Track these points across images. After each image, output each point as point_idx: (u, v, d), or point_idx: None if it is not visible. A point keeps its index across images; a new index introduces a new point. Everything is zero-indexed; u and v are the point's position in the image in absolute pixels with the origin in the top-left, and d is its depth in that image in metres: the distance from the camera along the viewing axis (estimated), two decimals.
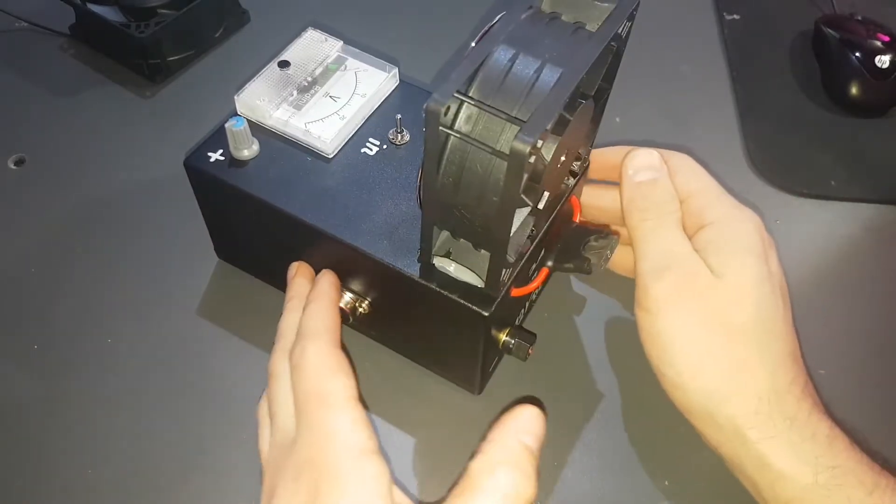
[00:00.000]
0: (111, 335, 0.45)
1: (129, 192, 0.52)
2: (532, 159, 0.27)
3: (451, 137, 0.30)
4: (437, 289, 0.36)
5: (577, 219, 0.42)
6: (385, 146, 0.41)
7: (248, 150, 0.40)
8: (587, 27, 0.33)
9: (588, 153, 0.40)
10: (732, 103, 0.58)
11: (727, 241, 0.38)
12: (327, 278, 0.39)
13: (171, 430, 0.41)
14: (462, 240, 0.36)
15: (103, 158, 0.53)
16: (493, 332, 0.38)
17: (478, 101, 0.30)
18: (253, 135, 0.40)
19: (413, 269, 0.36)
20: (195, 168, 0.40)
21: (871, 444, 0.40)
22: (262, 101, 0.41)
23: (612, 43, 0.33)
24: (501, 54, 0.30)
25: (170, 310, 0.46)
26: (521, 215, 0.36)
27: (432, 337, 0.41)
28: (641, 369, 0.44)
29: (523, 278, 0.38)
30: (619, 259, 0.43)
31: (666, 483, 0.40)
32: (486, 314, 0.35)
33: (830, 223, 0.52)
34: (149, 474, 0.40)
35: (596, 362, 0.44)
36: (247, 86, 0.42)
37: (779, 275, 0.39)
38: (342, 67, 0.43)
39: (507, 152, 0.28)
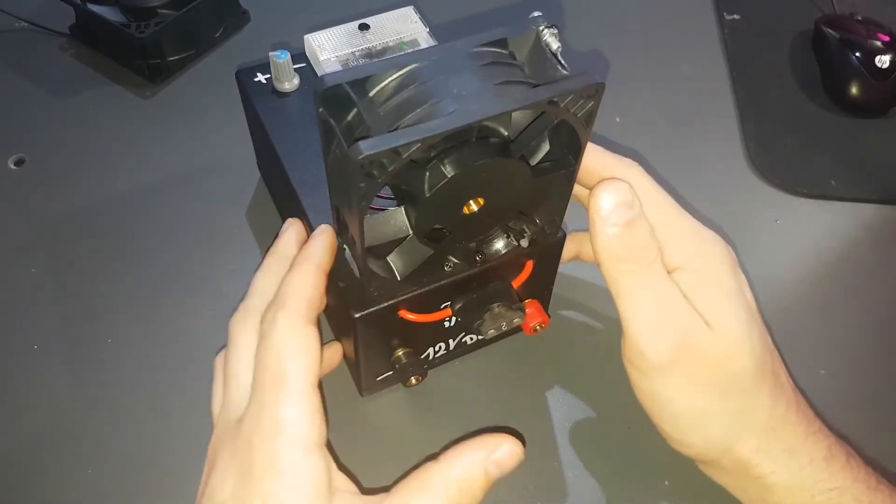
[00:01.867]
0: (111, 335, 0.45)
1: (129, 191, 0.52)
2: (373, 170, 0.27)
3: (328, 121, 0.30)
4: (335, 269, 0.35)
5: (516, 283, 0.39)
6: None
7: (289, 83, 0.42)
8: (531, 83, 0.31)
9: (556, 228, 0.37)
10: (732, 103, 0.58)
11: (707, 286, 0.34)
12: (322, 238, 0.35)
13: (172, 430, 0.41)
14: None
15: (103, 158, 0.53)
16: (374, 340, 0.37)
17: (358, 99, 0.30)
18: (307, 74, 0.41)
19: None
20: (239, 80, 0.43)
21: (869, 444, 0.40)
22: (325, 49, 0.41)
23: (554, 116, 0.31)
24: (419, 73, 0.30)
25: (170, 309, 0.46)
26: (418, 249, 0.34)
27: (340, 321, 0.40)
28: None
29: (429, 306, 0.37)
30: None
31: (666, 483, 0.40)
32: (356, 315, 0.34)
33: (830, 223, 0.52)
34: (149, 474, 0.40)
35: (596, 361, 0.44)
36: (320, 31, 0.42)
37: (753, 304, 0.36)
38: (417, 43, 0.42)
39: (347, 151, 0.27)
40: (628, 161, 0.36)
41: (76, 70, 0.58)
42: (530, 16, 0.31)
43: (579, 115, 0.30)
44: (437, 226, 0.33)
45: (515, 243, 0.36)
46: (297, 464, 0.29)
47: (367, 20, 0.42)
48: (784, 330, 0.43)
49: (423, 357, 0.41)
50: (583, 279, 0.48)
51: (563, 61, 0.31)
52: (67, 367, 0.44)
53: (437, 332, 0.40)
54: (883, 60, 0.55)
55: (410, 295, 0.35)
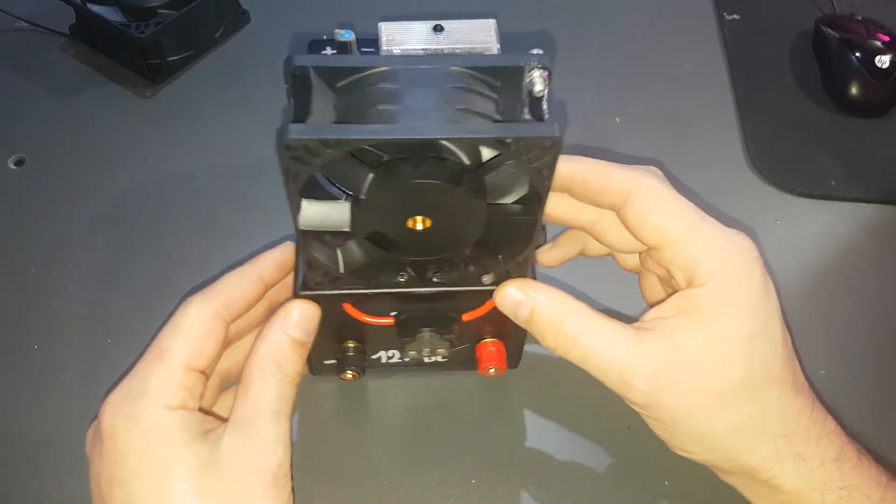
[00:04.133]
0: (111, 335, 0.45)
1: (129, 191, 0.52)
2: (300, 154, 0.27)
3: (289, 100, 0.30)
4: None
5: (466, 318, 0.37)
6: None
7: None
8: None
9: (521, 275, 0.35)
10: (732, 103, 0.58)
11: (725, 303, 0.33)
12: (274, 252, 0.36)
13: None
14: None
15: (103, 158, 0.53)
16: (321, 323, 0.37)
17: (318, 86, 0.30)
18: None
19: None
20: (309, 47, 0.41)
21: (869, 444, 0.40)
22: (391, 41, 0.41)
23: (508, 159, 0.29)
24: (386, 76, 0.30)
25: (170, 310, 0.46)
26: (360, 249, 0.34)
27: None
28: None
29: (376, 309, 0.37)
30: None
31: (666, 483, 0.40)
32: (298, 293, 0.35)
33: (830, 223, 0.52)
34: None
35: None
36: (394, 22, 0.42)
37: (774, 300, 0.35)
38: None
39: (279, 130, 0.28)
40: (646, 171, 0.35)
41: (76, 70, 0.58)
42: (531, 52, 0.30)
43: (533, 165, 0.29)
44: (378, 230, 0.33)
45: (477, 277, 0.35)
46: (155, 416, 0.30)
47: (443, 22, 0.42)
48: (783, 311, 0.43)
49: (374, 357, 0.40)
50: (583, 274, 0.48)
51: (543, 106, 0.30)
52: (67, 367, 0.44)
53: (389, 338, 0.39)
54: (883, 60, 0.55)
55: (350, 291, 0.35)
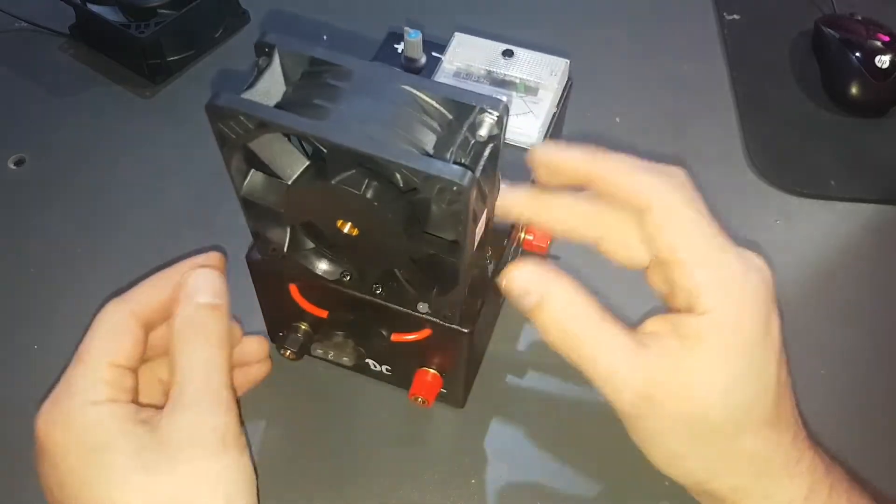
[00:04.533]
0: None
1: (129, 191, 0.52)
2: (225, 121, 0.29)
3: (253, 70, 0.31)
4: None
5: (395, 338, 0.37)
6: None
7: (418, 61, 0.44)
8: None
9: (452, 318, 0.35)
10: (732, 103, 0.58)
11: (720, 339, 0.32)
12: (191, 262, 0.36)
13: None
14: None
15: (103, 158, 0.53)
16: (268, 293, 0.38)
17: (275, 66, 0.30)
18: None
19: None
20: (386, 39, 0.45)
21: (869, 444, 0.40)
22: (455, 52, 0.43)
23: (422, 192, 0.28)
24: (343, 74, 0.30)
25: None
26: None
27: None
28: None
29: (328, 302, 0.37)
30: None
31: (666, 483, 0.40)
32: (246, 256, 0.36)
33: (830, 223, 0.52)
34: None
35: None
36: (469, 35, 0.43)
37: (776, 336, 0.33)
38: (536, 93, 0.42)
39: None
40: (670, 177, 0.33)
41: (76, 70, 0.58)
42: (498, 97, 0.29)
43: (446, 206, 0.28)
44: (308, 221, 0.33)
45: (415, 302, 0.35)
46: (80, 415, 0.31)
47: (514, 48, 0.42)
48: (784, 330, 0.43)
49: (319, 351, 0.40)
50: (584, 273, 0.48)
51: (484, 152, 0.29)
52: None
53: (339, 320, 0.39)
54: (883, 60, 0.55)
55: (290, 271, 0.36)
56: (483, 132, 0.29)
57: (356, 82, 0.30)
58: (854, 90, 0.56)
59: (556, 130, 0.44)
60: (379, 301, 0.35)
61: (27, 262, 0.48)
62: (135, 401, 0.33)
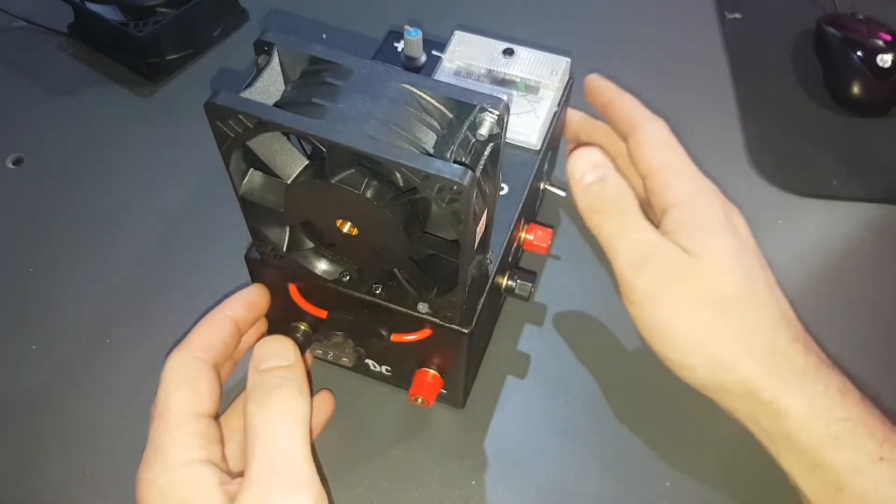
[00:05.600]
0: (110, 335, 0.45)
1: (128, 191, 0.51)
2: (224, 120, 0.29)
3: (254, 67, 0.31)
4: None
5: (395, 338, 0.37)
6: None
7: (418, 60, 0.44)
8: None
9: (453, 318, 0.35)
10: (734, 102, 0.57)
11: (694, 219, 0.37)
12: (244, 294, 0.38)
13: None
14: None
15: (101, 157, 0.53)
16: (271, 289, 0.38)
17: (274, 64, 0.31)
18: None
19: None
20: (384, 38, 0.45)
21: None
22: (455, 51, 0.43)
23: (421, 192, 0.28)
24: (342, 73, 0.30)
25: (170, 309, 0.46)
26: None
27: None
28: (642, 368, 0.44)
29: (327, 302, 0.37)
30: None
31: (667, 484, 0.40)
32: (245, 255, 0.36)
33: (832, 223, 0.51)
34: None
35: (596, 361, 0.44)
36: (470, 34, 0.43)
37: (751, 243, 0.39)
38: (537, 92, 0.42)
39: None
40: (655, 117, 0.41)
41: (75, 69, 0.58)
42: (500, 96, 0.29)
43: (446, 206, 0.28)
44: (307, 220, 0.33)
45: (415, 303, 0.35)
46: (174, 483, 0.30)
47: (515, 47, 0.42)
48: None
49: (319, 352, 0.39)
50: (584, 273, 0.48)
51: (485, 151, 0.29)
52: (67, 367, 0.44)
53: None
54: (885, 59, 0.55)
55: (289, 271, 0.36)
56: (483, 131, 0.29)
57: (355, 81, 0.29)
58: (856, 89, 0.56)
59: (556, 129, 0.44)
60: (378, 301, 0.35)
61: (26, 262, 0.48)
62: (222, 453, 0.32)
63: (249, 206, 0.33)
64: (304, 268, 0.35)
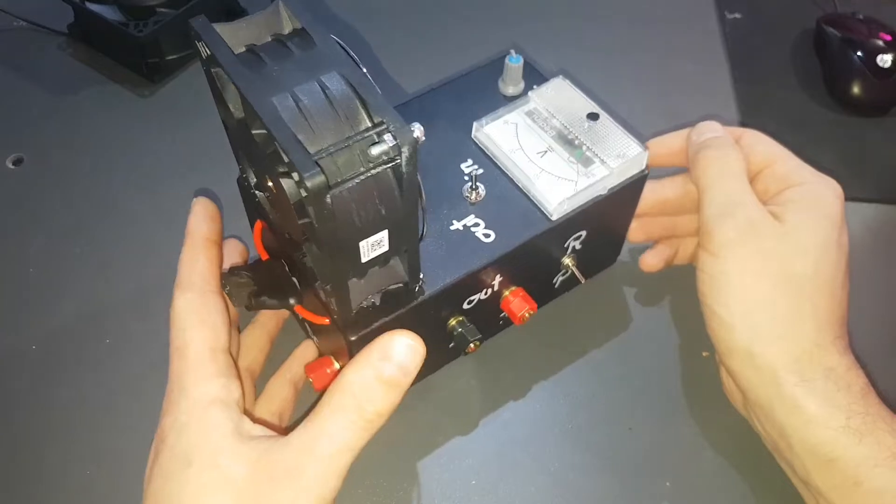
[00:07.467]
0: (111, 335, 0.45)
1: (128, 191, 0.51)
2: (200, 45, 0.30)
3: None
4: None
5: (299, 309, 0.37)
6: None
7: (514, 87, 0.43)
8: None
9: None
10: (734, 102, 0.57)
11: (808, 200, 0.38)
12: (195, 211, 0.37)
13: None
14: None
15: (101, 157, 0.53)
16: (252, 216, 0.38)
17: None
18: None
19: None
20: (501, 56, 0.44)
21: None
22: (545, 94, 0.42)
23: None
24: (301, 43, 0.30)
25: (169, 309, 0.46)
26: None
27: None
28: (642, 369, 0.44)
29: (270, 245, 0.38)
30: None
31: (667, 484, 0.40)
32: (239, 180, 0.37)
33: None
34: None
35: (597, 361, 0.44)
36: (567, 84, 0.43)
37: (845, 246, 0.39)
38: (589, 166, 0.40)
39: None
40: (755, 131, 0.43)
41: (75, 69, 0.58)
42: (412, 125, 0.28)
43: (305, 197, 0.27)
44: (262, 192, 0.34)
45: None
46: (198, 419, 0.31)
47: (602, 114, 0.41)
48: None
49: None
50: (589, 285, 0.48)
51: (376, 171, 0.28)
52: (67, 367, 0.44)
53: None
54: (885, 59, 0.55)
55: (259, 204, 0.36)
56: (374, 151, 0.28)
57: (308, 55, 0.30)
58: (856, 89, 0.56)
59: (599, 215, 0.40)
60: (306, 263, 0.34)
61: (26, 262, 0.48)
62: (242, 390, 0.33)
63: (229, 131, 0.34)
64: (261, 207, 0.35)
